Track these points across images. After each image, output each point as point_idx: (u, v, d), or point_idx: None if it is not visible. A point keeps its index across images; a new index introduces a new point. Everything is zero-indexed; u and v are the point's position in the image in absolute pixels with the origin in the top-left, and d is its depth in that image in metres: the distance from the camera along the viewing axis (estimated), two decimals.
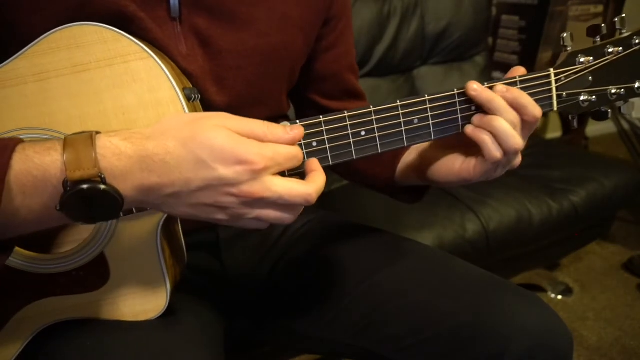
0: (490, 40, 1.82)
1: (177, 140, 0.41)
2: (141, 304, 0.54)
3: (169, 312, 0.55)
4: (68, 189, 0.39)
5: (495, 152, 0.53)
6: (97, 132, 0.42)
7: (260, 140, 0.43)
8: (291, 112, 0.77)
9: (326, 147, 0.52)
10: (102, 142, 0.41)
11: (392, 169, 0.68)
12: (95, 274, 0.52)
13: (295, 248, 0.75)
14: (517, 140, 0.52)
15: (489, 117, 0.53)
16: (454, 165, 0.59)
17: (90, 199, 0.40)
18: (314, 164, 0.48)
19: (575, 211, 1.33)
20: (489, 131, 0.53)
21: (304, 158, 0.50)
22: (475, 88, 0.53)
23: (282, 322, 0.73)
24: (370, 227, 0.77)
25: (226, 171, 0.40)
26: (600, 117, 0.61)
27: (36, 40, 0.48)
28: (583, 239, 1.59)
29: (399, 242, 0.73)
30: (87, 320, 0.54)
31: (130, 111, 0.48)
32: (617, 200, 1.42)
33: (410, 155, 0.66)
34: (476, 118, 0.54)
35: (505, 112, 0.52)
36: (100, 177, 0.40)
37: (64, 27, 0.47)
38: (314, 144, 0.51)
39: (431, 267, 0.66)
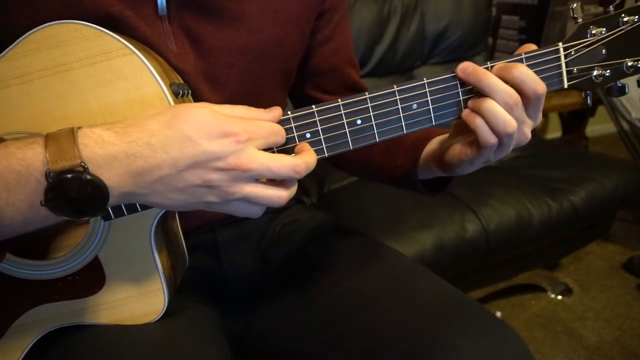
0: (490, 40, 1.82)
1: (160, 122, 0.41)
2: (139, 307, 0.53)
3: (172, 313, 0.54)
4: (50, 180, 0.39)
5: (489, 137, 0.50)
6: (79, 127, 0.41)
7: (243, 118, 0.44)
8: (289, 108, 0.77)
9: (320, 138, 0.50)
10: (83, 132, 0.41)
11: (413, 160, 0.65)
12: (90, 279, 0.52)
13: (276, 248, 0.74)
14: (510, 123, 0.49)
15: (480, 98, 0.50)
16: (455, 149, 0.56)
17: (75, 190, 0.39)
18: (304, 145, 0.48)
19: (575, 211, 1.33)
20: (480, 114, 0.50)
21: (297, 142, 0.50)
22: (464, 68, 0.51)
23: (263, 327, 0.71)
24: (351, 231, 0.76)
25: (212, 145, 0.40)
26: (616, 92, 0.55)
27: (16, 42, 0.47)
28: (583, 239, 1.59)
29: (373, 248, 0.71)
30: (87, 325, 0.53)
31: (117, 110, 0.48)
32: (617, 200, 1.41)
33: (432, 144, 0.63)
34: (470, 101, 0.51)
35: (497, 92, 0.49)
36: (82, 166, 0.39)
37: (42, 26, 0.46)
38: (308, 135, 0.50)
39: (392, 282, 0.63)
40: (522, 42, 1.71)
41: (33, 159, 0.39)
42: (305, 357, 0.63)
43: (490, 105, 0.49)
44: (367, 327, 0.58)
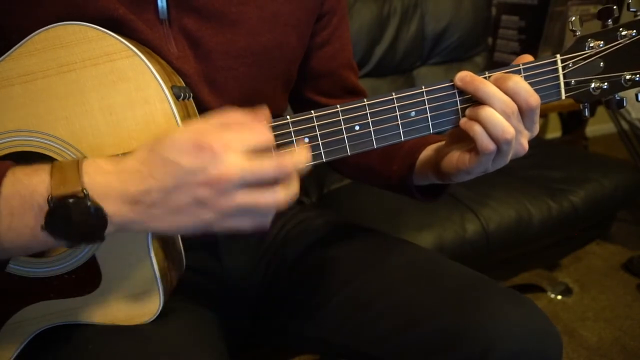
0: (490, 40, 1.82)
1: (146, 150, 0.42)
2: (134, 307, 0.53)
3: (168, 314, 0.54)
4: (52, 205, 0.40)
5: (487, 143, 0.50)
6: (84, 158, 0.43)
7: (223, 126, 0.43)
8: (288, 113, 0.77)
9: (319, 144, 0.51)
10: (87, 162, 0.42)
11: (409, 165, 0.66)
12: (87, 278, 0.52)
13: (288, 248, 0.75)
14: (507, 130, 0.50)
15: (478, 106, 0.51)
16: (453, 157, 0.56)
17: (75, 215, 0.40)
18: (300, 146, 0.47)
19: (575, 211, 1.33)
20: (479, 122, 0.51)
21: (293, 146, 0.49)
22: (462, 77, 0.51)
23: (275, 322, 0.73)
24: (363, 227, 0.77)
25: (189, 161, 0.40)
26: (615, 105, 0.56)
27: (21, 42, 0.47)
28: (583, 239, 1.59)
29: (389, 241, 0.73)
30: (81, 325, 0.54)
31: (118, 111, 0.48)
32: (617, 200, 1.41)
33: (428, 151, 0.64)
34: (468, 109, 0.52)
35: (495, 100, 0.50)
36: (84, 192, 0.40)
37: (47, 27, 0.47)
38: (306, 139, 0.50)
39: (419, 266, 0.66)
40: (522, 42, 1.72)
41: (38, 185, 0.41)
42: (341, 340, 0.65)
43: (489, 113, 0.50)
44: (399, 307, 0.61)
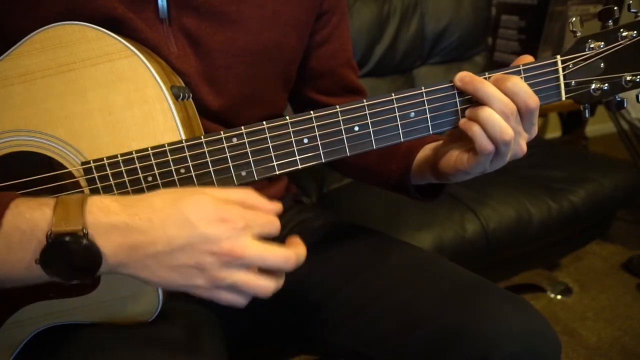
0: (489, 40, 1.82)
1: (164, 201, 0.42)
2: (133, 307, 0.53)
3: (167, 314, 0.54)
4: (50, 240, 0.40)
5: (486, 144, 0.50)
6: (90, 195, 0.42)
7: (244, 204, 0.44)
8: (288, 112, 0.77)
9: (318, 144, 0.51)
10: (92, 200, 0.42)
11: (407, 165, 0.66)
12: None
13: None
14: (506, 131, 0.49)
15: (478, 107, 0.51)
16: (451, 157, 0.56)
17: (70, 253, 0.40)
18: (294, 238, 0.48)
19: (575, 211, 1.33)
20: (478, 122, 0.51)
21: (294, 147, 0.49)
22: (462, 77, 0.51)
23: (274, 322, 0.73)
24: (363, 227, 0.77)
25: (209, 228, 0.41)
26: (615, 106, 0.56)
27: (21, 42, 0.47)
28: (583, 238, 1.59)
29: (388, 242, 0.73)
30: (79, 325, 0.54)
31: (117, 110, 0.48)
32: (617, 200, 1.41)
33: (425, 151, 0.64)
34: (468, 110, 0.52)
35: (495, 101, 0.50)
36: (83, 232, 0.40)
37: (47, 27, 0.47)
38: (305, 140, 0.50)
39: (419, 267, 0.66)
40: (522, 42, 1.72)
41: (40, 220, 0.41)
42: (341, 341, 0.66)
43: (488, 113, 0.50)
44: (399, 308, 0.61)
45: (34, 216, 0.41)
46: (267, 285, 0.43)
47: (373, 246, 0.72)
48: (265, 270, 0.43)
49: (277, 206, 0.46)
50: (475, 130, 0.51)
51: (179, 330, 0.56)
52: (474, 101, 0.52)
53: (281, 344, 0.81)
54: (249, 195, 0.45)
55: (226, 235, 0.41)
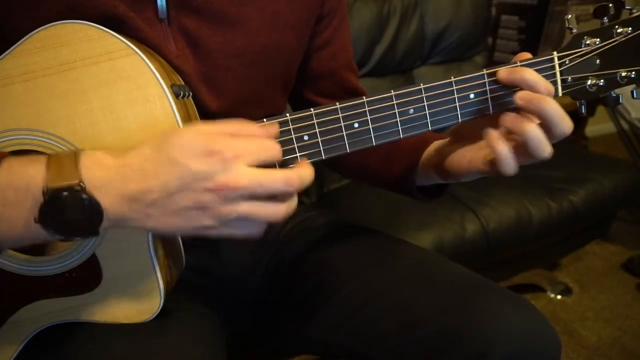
0: (489, 40, 1.82)
1: (152, 147, 0.41)
2: (134, 305, 0.53)
3: (168, 313, 0.54)
4: (47, 197, 0.39)
5: (511, 166, 0.51)
6: (82, 150, 0.42)
7: (233, 134, 0.42)
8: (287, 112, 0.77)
9: (318, 141, 0.51)
10: (85, 154, 0.41)
11: (410, 165, 0.66)
12: (87, 276, 0.52)
13: (287, 248, 0.75)
14: (547, 150, 0.50)
15: (524, 122, 0.49)
16: (463, 160, 0.56)
17: (70, 208, 0.39)
18: (302, 160, 0.47)
19: (575, 211, 1.33)
20: (523, 136, 0.49)
21: (294, 144, 0.49)
22: (522, 97, 0.50)
23: (274, 322, 0.74)
24: (363, 227, 0.77)
25: (197, 164, 0.40)
26: (611, 102, 0.56)
27: (21, 40, 0.47)
28: (582, 238, 1.59)
29: (388, 241, 0.73)
30: (82, 323, 0.54)
31: (118, 109, 0.48)
32: (617, 200, 1.42)
33: (429, 151, 0.64)
34: (508, 120, 0.50)
35: (557, 123, 0.50)
36: (80, 185, 0.39)
37: (48, 26, 0.47)
38: (305, 137, 0.50)
39: (419, 266, 0.66)
40: (522, 42, 1.72)
41: (34, 176, 0.40)
42: (341, 340, 0.65)
43: (536, 133, 0.49)
44: (399, 307, 0.61)
45: (28, 172, 0.40)
46: (275, 210, 0.42)
47: (373, 246, 0.72)
48: (273, 197, 0.42)
49: (271, 129, 0.45)
50: (503, 152, 0.50)
51: (179, 330, 0.56)
52: (471, 98, 0.52)
53: (281, 344, 0.82)
54: (238, 123, 0.43)
55: (217, 168, 0.40)
